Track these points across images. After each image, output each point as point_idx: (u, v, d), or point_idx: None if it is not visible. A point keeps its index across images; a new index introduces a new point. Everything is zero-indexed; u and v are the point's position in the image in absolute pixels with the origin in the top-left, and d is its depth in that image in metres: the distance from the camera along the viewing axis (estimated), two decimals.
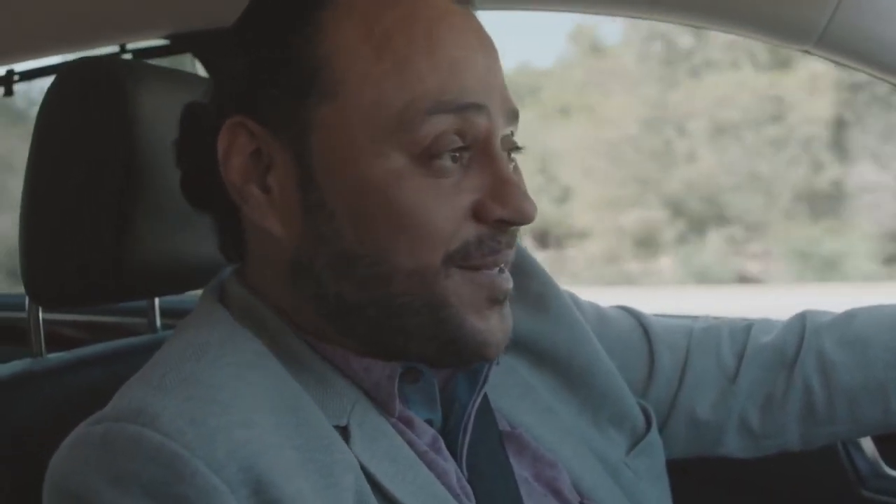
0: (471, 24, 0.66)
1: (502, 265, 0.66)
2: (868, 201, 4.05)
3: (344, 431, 0.63)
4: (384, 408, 0.66)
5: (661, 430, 0.88)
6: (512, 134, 0.68)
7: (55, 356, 0.87)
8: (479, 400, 0.71)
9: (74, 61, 0.81)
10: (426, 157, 0.62)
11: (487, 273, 0.65)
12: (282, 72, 0.64)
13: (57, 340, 0.89)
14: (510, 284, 0.67)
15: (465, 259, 0.63)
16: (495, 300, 0.66)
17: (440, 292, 0.63)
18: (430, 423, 0.69)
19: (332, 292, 0.64)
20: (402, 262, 0.62)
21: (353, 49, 0.62)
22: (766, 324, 0.93)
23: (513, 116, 0.68)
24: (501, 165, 0.64)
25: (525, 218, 0.64)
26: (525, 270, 0.84)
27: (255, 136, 0.65)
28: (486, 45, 0.67)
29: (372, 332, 0.65)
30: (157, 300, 1.03)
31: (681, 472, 0.89)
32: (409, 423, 0.67)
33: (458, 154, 0.63)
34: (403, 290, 0.63)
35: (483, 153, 0.64)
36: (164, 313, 1.06)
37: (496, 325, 0.66)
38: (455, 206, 0.63)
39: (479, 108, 0.63)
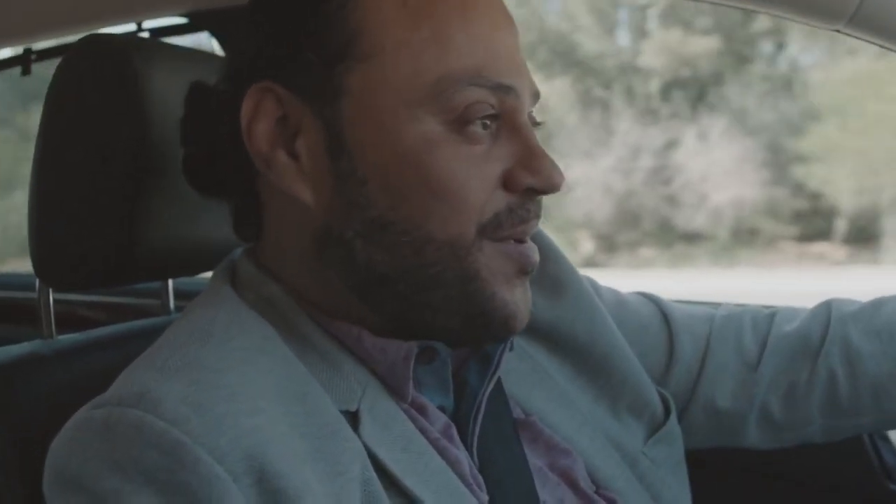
0: (498, 1, 0.67)
1: (528, 235, 0.67)
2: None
3: (353, 417, 0.62)
4: (397, 392, 0.65)
5: (679, 420, 0.86)
6: (532, 112, 0.69)
7: (65, 338, 0.86)
8: (490, 386, 0.70)
9: (82, 39, 0.80)
10: (460, 122, 0.62)
11: (517, 245, 0.66)
12: (315, 37, 0.63)
13: (70, 321, 0.88)
14: (538, 256, 0.68)
15: (497, 230, 0.64)
16: (524, 272, 0.66)
17: (472, 265, 0.63)
18: (442, 409, 0.68)
19: (362, 261, 0.64)
20: (436, 231, 0.62)
21: (389, 15, 0.63)
22: (791, 312, 0.91)
23: (536, 96, 0.68)
24: (530, 136, 0.65)
25: (555, 186, 0.65)
26: (543, 254, 0.82)
27: (281, 101, 0.64)
28: (512, 23, 0.67)
29: (399, 306, 0.65)
30: (170, 282, 1.03)
31: (700, 462, 0.88)
32: (421, 410, 0.66)
33: (488, 122, 0.64)
34: (435, 260, 0.63)
35: (511, 125, 0.65)
36: (178, 295, 1.05)
37: (521, 297, 0.67)
38: (486, 174, 0.63)
39: (509, 89, 0.64)
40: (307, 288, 0.67)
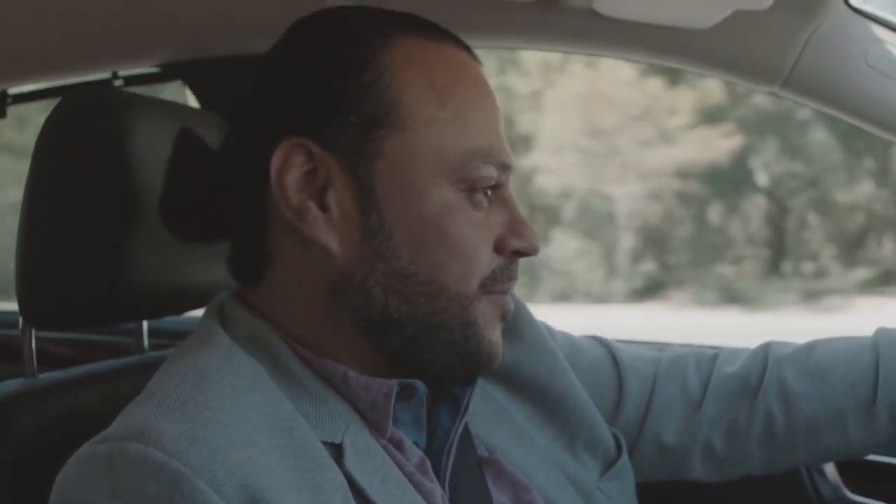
0: (488, 84, 0.76)
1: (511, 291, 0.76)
2: None
3: (338, 449, 0.67)
4: (376, 428, 0.70)
5: (630, 455, 0.91)
6: None
7: (46, 376, 0.89)
8: (462, 425, 0.75)
9: (73, 92, 0.84)
10: (470, 191, 0.71)
11: (502, 297, 0.74)
12: (357, 104, 0.69)
13: (44, 357, 0.91)
14: (513, 306, 0.76)
15: (493, 285, 0.73)
16: (504, 318, 0.75)
17: (472, 313, 0.72)
18: (416, 445, 0.73)
19: (379, 306, 0.70)
20: (450, 284, 0.70)
21: (421, 94, 0.70)
22: (732, 353, 0.96)
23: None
24: (516, 205, 0.75)
25: (536, 249, 0.75)
26: None
27: (312, 157, 0.69)
28: (496, 102, 0.76)
29: (404, 346, 0.71)
30: (145, 322, 1.06)
31: (650, 495, 0.92)
32: (398, 445, 0.71)
33: (487, 192, 0.73)
34: (444, 309, 0.70)
35: (501, 196, 0.74)
36: (151, 333, 1.08)
37: (500, 338, 0.75)
38: (487, 237, 0.72)
39: (509, 167, 0.74)
40: (303, 329, 0.71)
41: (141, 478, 0.57)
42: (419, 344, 0.71)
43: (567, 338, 0.96)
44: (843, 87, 1.00)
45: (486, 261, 0.72)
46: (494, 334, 0.74)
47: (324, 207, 0.69)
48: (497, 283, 0.73)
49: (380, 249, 0.69)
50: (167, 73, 1.25)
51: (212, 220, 0.77)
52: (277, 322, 0.72)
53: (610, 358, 0.95)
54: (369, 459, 0.67)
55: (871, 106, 1.00)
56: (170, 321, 1.13)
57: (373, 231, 0.69)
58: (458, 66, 0.73)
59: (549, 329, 0.94)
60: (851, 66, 0.99)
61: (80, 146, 0.83)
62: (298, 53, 0.73)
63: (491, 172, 0.71)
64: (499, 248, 0.73)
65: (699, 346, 1.01)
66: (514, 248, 0.73)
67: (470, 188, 0.71)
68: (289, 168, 0.69)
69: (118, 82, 1.23)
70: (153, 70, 1.26)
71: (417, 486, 0.69)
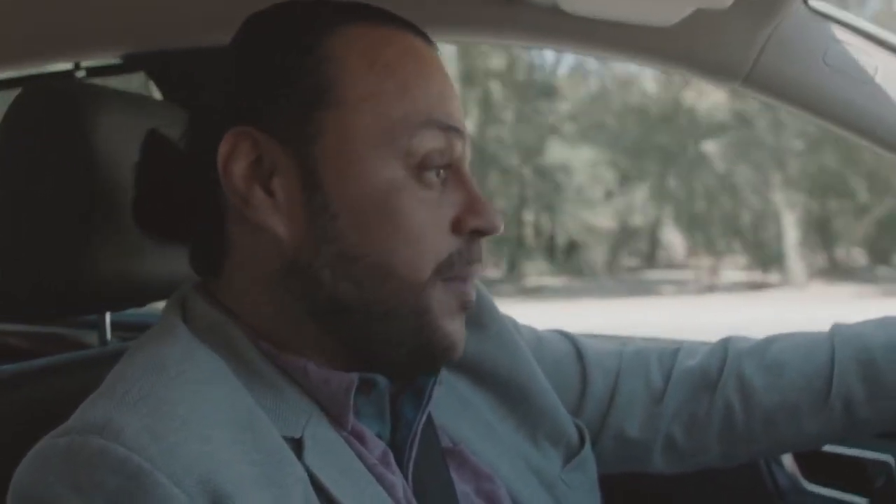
0: (443, 65, 0.76)
1: (473, 277, 0.74)
2: None
3: (298, 443, 0.67)
4: (337, 421, 0.70)
5: (592, 447, 0.92)
6: None
7: (5, 368, 0.88)
8: (424, 417, 0.75)
9: (34, 83, 0.83)
10: (419, 169, 0.70)
11: (461, 283, 0.73)
12: (293, 87, 0.70)
13: (4, 351, 0.90)
14: (475, 297, 0.75)
15: (449, 270, 0.71)
16: (464, 307, 0.74)
17: (425, 300, 0.70)
18: (379, 437, 0.73)
19: (327, 290, 0.69)
20: (399, 268, 0.69)
21: (361, 72, 0.70)
22: (693, 348, 0.98)
23: (468, 143, 0.76)
24: (473, 183, 0.74)
25: (496, 228, 0.73)
26: None
27: (257, 144, 0.70)
28: (456, 91, 0.76)
29: (354, 334, 0.71)
30: (108, 314, 1.05)
31: (612, 486, 0.93)
32: (360, 437, 0.71)
33: (441, 171, 0.71)
34: (393, 296, 0.69)
35: (455, 174, 0.73)
36: (113, 326, 1.07)
37: (459, 329, 0.74)
38: (441, 219, 0.71)
39: (459, 132, 0.72)
40: (262, 320, 0.72)
41: (102, 472, 0.56)
42: (372, 333, 0.70)
43: (532, 332, 0.97)
44: (802, 85, 1.02)
45: (440, 244, 0.71)
46: (452, 324, 0.72)
47: (270, 192, 0.70)
48: (455, 267, 0.71)
49: (326, 231, 0.69)
50: (130, 65, 1.24)
51: (181, 217, 0.77)
52: (239, 315, 0.72)
53: (574, 352, 0.96)
54: (330, 453, 0.68)
55: (829, 104, 1.02)
56: (133, 314, 1.13)
57: (318, 212, 0.69)
58: (403, 46, 0.73)
59: (513, 323, 0.95)
60: (810, 65, 1.01)
61: (43, 138, 0.82)
62: (244, 45, 0.74)
63: (437, 142, 0.70)
64: (456, 228, 0.72)
65: (661, 341, 1.02)
66: (473, 227, 0.72)
67: (419, 165, 0.70)
68: (236, 157, 0.69)
69: (80, 73, 1.22)
70: (116, 62, 1.25)
71: (379, 479, 0.69)
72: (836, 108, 1.02)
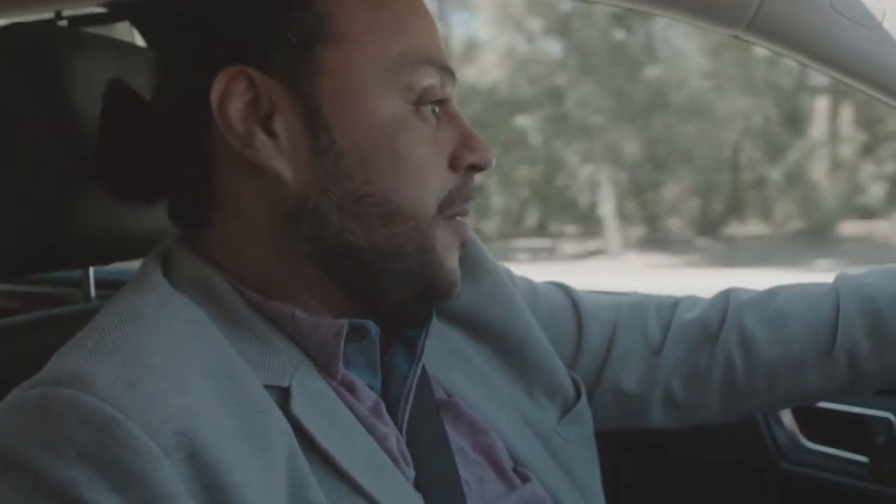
0: (427, 6, 0.74)
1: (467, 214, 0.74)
2: None
3: (284, 393, 0.65)
4: (327, 370, 0.68)
5: (589, 401, 0.91)
6: None
7: None
8: (419, 369, 0.73)
9: (5, 27, 0.80)
10: (417, 104, 0.69)
11: (460, 221, 0.73)
12: (288, 23, 0.67)
13: None
14: (471, 233, 0.76)
15: (450, 207, 0.71)
16: (463, 244, 0.74)
17: (430, 239, 0.70)
18: (370, 388, 0.71)
19: (335, 231, 0.68)
20: (405, 205, 0.68)
21: (355, 8, 0.68)
22: (692, 300, 0.96)
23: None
24: (464, 120, 0.73)
25: (490, 162, 0.73)
26: None
27: (253, 83, 0.67)
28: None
29: (361, 275, 0.69)
30: (91, 270, 1.03)
31: (609, 442, 0.92)
32: (350, 388, 0.69)
33: (436, 108, 0.71)
34: (400, 233, 0.68)
35: (448, 112, 0.73)
36: (98, 284, 1.05)
37: (457, 266, 0.73)
38: (440, 154, 0.71)
39: (451, 73, 0.72)
40: (252, 268, 0.69)
41: (72, 424, 0.54)
42: (376, 272, 0.69)
43: (527, 283, 0.96)
44: (807, 31, 0.99)
45: (441, 179, 0.70)
46: (453, 261, 0.72)
47: (271, 133, 0.67)
48: (455, 204, 0.71)
49: (332, 170, 0.67)
50: (114, 14, 1.20)
51: (153, 175, 0.75)
52: (226, 265, 0.70)
53: (570, 304, 0.95)
54: (318, 402, 0.66)
55: (836, 51, 0.99)
56: (118, 270, 1.10)
57: (323, 152, 0.67)
58: None
59: (509, 274, 0.93)
60: (816, 11, 0.98)
61: (18, 87, 0.79)
62: None
63: (434, 79, 0.70)
64: (453, 164, 0.71)
65: (660, 295, 1.00)
66: (469, 162, 0.71)
67: (417, 101, 0.69)
68: (230, 97, 0.67)
69: (62, 23, 1.18)
70: (99, 10, 1.21)
71: (371, 430, 0.68)
72: (842, 55, 0.99)
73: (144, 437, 0.54)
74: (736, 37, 1.03)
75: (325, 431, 0.64)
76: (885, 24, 0.97)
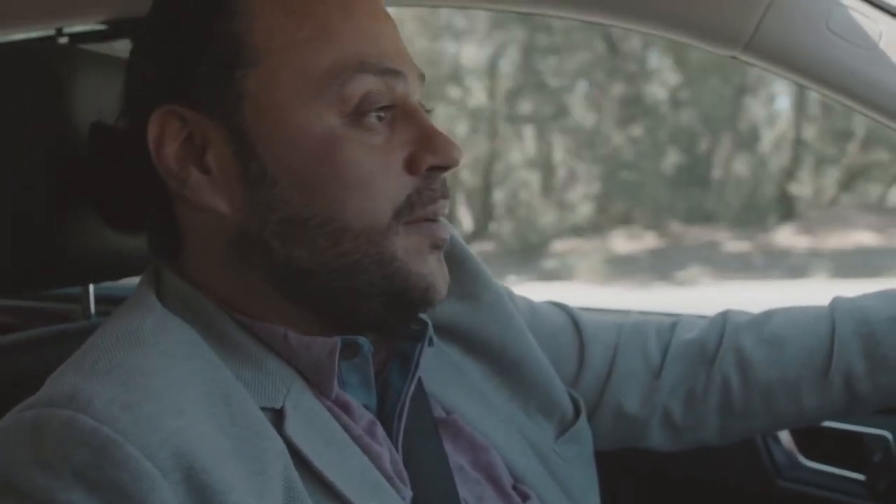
0: (375, 1, 0.71)
1: (440, 215, 0.70)
2: None
3: (278, 414, 0.64)
4: (321, 389, 0.68)
5: (589, 422, 0.90)
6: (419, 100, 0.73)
7: None
8: (412, 386, 0.73)
9: (5, 44, 0.80)
10: (356, 115, 0.66)
11: (428, 224, 0.69)
12: (207, 50, 0.66)
13: None
14: (448, 234, 0.72)
15: (409, 212, 0.67)
16: (436, 245, 0.70)
17: (388, 248, 0.67)
18: (366, 408, 0.71)
19: (282, 259, 0.67)
20: (352, 220, 0.66)
21: (275, 21, 0.66)
22: (691, 321, 0.96)
23: (421, 80, 0.72)
24: (424, 118, 0.69)
25: (454, 161, 0.69)
26: (458, 260, 0.86)
27: (186, 121, 0.67)
28: (390, 18, 0.71)
29: (322, 296, 0.68)
30: (91, 287, 1.02)
31: (608, 463, 0.92)
32: (345, 408, 0.69)
33: (382, 114, 0.67)
34: (352, 250, 0.66)
35: (404, 112, 0.69)
36: (98, 300, 1.05)
37: (437, 268, 0.70)
38: (390, 162, 0.67)
39: (398, 73, 0.68)
40: (231, 294, 0.69)
41: (69, 445, 0.54)
42: (336, 291, 0.68)
43: (526, 302, 0.95)
44: (804, 52, 1.00)
45: (394, 187, 0.67)
46: (426, 266, 0.69)
47: (206, 170, 0.67)
48: (416, 208, 0.68)
49: (268, 199, 0.66)
50: (115, 31, 1.20)
51: (127, 209, 0.77)
52: (211, 290, 0.70)
53: (572, 324, 0.95)
54: (312, 423, 0.65)
55: (832, 72, 0.99)
56: (118, 287, 1.10)
57: (256, 181, 0.66)
58: None
59: (508, 292, 0.93)
60: (813, 32, 0.99)
61: (18, 102, 0.79)
62: (157, 15, 0.71)
63: (373, 85, 0.66)
64: (411, 167, 0.68)
65: (659, 314, 1.01)
66: (429, 163, 0.68)
67: (356, 111, 0.66)
68: (166, 139, 0.67)
69: (63, 40, 1.18)
70: (100, 28, 1.21)
71: (365, 449, 0.67)
72: (838, 76, 0.99)
73: (142, 458, 0.54)
74: (734, 57, 1.04)
75: (319, 452, 0.64)
76: (882, 45, 0.97)
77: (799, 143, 7.59)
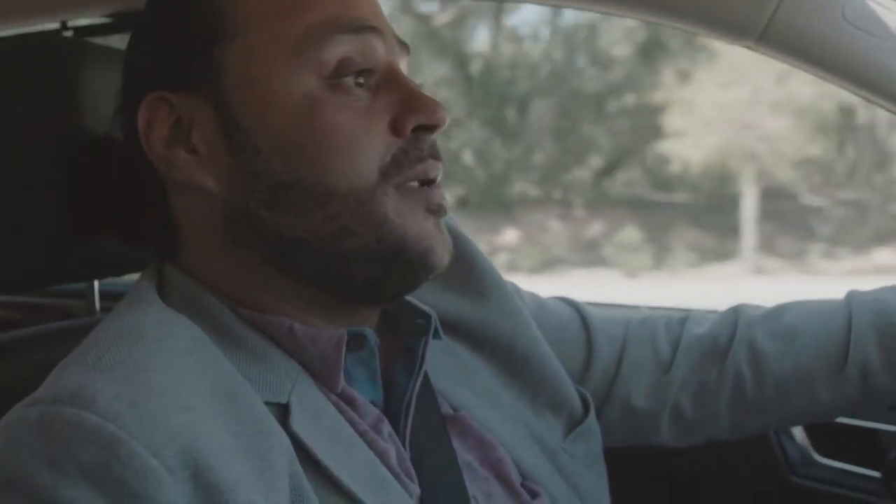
0: None
1: (434, 179, 0.69)
2: None
3: (283, 409, 0.64)
4: (326, 383, 0.67)
5: (598, 418, 0.89)
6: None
7: None
8: (419, 382, 0.72)
9: (11, 38, 0.80)
10: (335, 77, 0.66)
11: (422, 188, 0.68)
12: (188, 31, 0.67)
13: None
14: (446, 200, 0.70)
15: (398, 171, 0.67)
16: (431, 210, 0.69)
17: (379, 209, 0.66)
18: (373, 404, 0.70)
19: (271, 228, 0.66)
20: (338, 183, 0.65)
21: None
22: (701, 316, 0.95)
23: (405, 49, 0.72)
24: (407, 80, 0.69)
25: (440, 119, 0.68)
26: (465, 257, 0.85)
27: (173, 105, 0.67)
28: None
29: (317, 265, 0.67)
30: (96, 283, 1.02)
31: (618, 460, 0.91)
32: (351, 403, 0.68)
33: (363, 79, 0.67)
34: (340, 212, 0.65)
35: (386, 77, 0.68)
36: (103, 296, 1.04)
37: (434, 232, 0.69)
38: (374, 123, 0.67)
39: (375, 30, 0.68)
40: (234, 284, 0.69)
41: (75, 443, 0.53)
42: (330, 258, 0.67)
43: (534, 298, 0.94)
44: (819, 43, 0.98)
45: (379, 146, 0.66)
46: (421, 229, 0.68)
47: (193, 150, 0.67)
48: (403, 167, 0.67)
49: (252, 167, 0.66)
50: (119, 24, 1.20)
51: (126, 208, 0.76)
52: (215, 285, 0.69)
53: (579, 319, 0.94)
54: (318, 418, 0.65)
55: (849, 63, 0.98)
56: (123, 282, 1.10)
57: (240, 151, 0.66)
58: None
59: (515, 288, 0.92)
60: (828, 22, 0.97)
61: (25, 96, 0.78)
62: (146, 12, 0.72)
63: (350, 46, 0.66)
64: (396, 129, 0.67)
65: (669, 309, 0.99)
66: (414, 123, 0.67)
67: (335, 74, 0.66)
68: (154, 125, 0.67)
69: (68, 33, 1.18)
70: (105, 21, 1.21)
71: (371, 445, 0.66)
72: (855, 67, 0.98)
73: (148, 455, 0.53)
74: (748, 47, 1.02)
75: (325, 447, 0.63)
76: None
77: None
